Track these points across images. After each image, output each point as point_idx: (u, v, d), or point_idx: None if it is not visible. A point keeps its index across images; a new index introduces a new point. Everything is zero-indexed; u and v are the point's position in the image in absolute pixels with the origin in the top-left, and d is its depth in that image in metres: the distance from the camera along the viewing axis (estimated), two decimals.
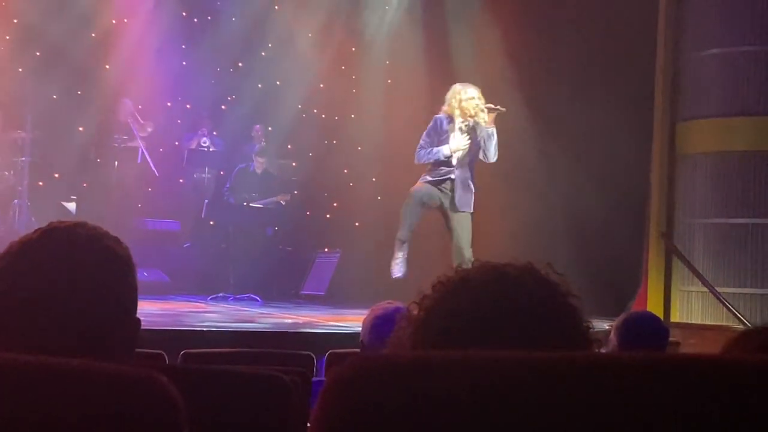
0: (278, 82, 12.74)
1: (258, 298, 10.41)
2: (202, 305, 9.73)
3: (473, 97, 7.92)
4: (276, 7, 12.75)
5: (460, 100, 7.92)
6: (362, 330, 3.75)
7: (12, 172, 11.73)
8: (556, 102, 10.72)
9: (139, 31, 12.48)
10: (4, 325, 1.49)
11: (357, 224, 12.06)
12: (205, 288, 10.65)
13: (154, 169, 11.91)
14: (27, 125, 11.79)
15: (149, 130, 12.20)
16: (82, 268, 1.52)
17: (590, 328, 1.31)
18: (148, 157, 11.98)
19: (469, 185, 7.97)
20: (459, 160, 7.95)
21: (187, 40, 12.77)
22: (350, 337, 5.98)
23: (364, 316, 3.80)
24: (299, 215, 12.05)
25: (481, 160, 8.02)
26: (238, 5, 12.82)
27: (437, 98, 8.31)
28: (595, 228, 9.98)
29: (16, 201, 11.61)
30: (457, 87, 8.09)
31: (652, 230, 9.18)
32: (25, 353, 1.00)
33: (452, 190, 7.89)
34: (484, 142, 7.84)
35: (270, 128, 12.53)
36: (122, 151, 12.10)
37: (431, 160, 7.99)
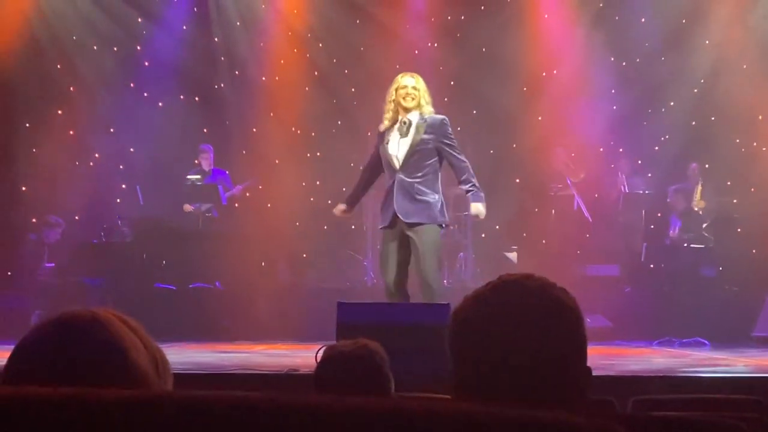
0: (713, 118, 12.34)
1: (706, 342, 10.04)
2: (648, 350, 9.56)
3: (405, 86, 6.94)
4: (706, 42, 12.42)
5: (396, 89, 6.98)
6: None
7: (457, 227, 12.35)
8: None
9: (569, 81, 12.69)
10: (465, 380, 1.57)
11: None
12: (649, 332, 10.45)
13: (587, 215, 11.98)
14: None
15: (582, 176, 12.32)
16: (534, 320, 1.56)
17: None
18: (581, 204, 12.07)
19: (413, 192, 6.87)
20: (403, 163, 6.92)
21: (616, 85, 12.78)
22: None
23: None
24: (743, 254, 11.50)
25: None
26: (668, 44, 12.63)
27: None
28: None
29: (461, 254, 12.20)
30: (397, 77, 7.08)
31: None
32: (480, 405, 1.04)
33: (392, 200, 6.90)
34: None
35: (707, 165, 12.14)
36: (558, 200, 12.31)
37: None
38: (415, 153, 6.92)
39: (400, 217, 6.85)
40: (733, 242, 11.44)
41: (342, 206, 7.50)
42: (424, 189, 6.91)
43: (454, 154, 7.01)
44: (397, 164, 6.94)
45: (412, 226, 6.85)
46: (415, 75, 7.08)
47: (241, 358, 7.97)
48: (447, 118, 7.05)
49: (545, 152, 12.46)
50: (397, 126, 6.99)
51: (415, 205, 6.87)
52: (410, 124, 6.92)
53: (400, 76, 7.09)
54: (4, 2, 11.88)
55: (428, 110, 6.99)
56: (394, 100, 6.99)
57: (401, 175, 6.91)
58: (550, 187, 12.40)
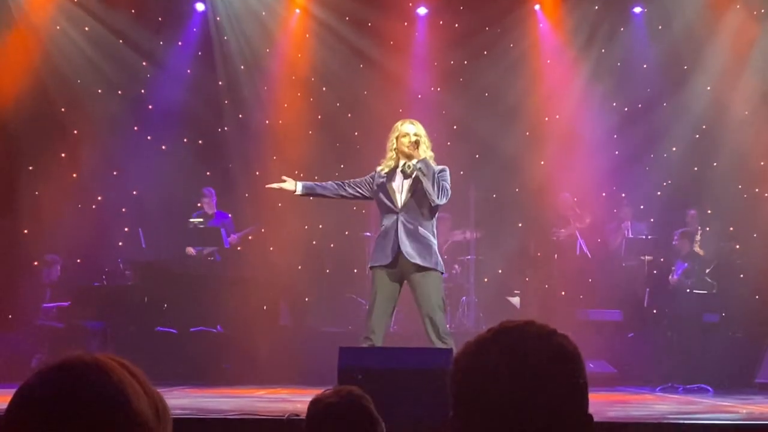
0: (715, 164, 12.38)
1: (709, 388, 9.99)
2: (651, 396, 9.50)
3: (407, 134, 6.93)
4: (708, 88, 12.49)
5: (397, 137, 6.97)
6: None
7: (459, 270, 12.33)
8: None
9: (571, 125, 12.75)
10: (466, 425, 1.57)
11: None
12: (652, 378, 10.40)
13: (587, 251, 11.98)
14: (471, 225, 12.39)
15: (587, 222, 12.33)
16: (535, 366, 1.56)
17: None
18: (584, 247, 12.05)
19: (418, 235, 6.86)
20: (404, 204, 6.91)
21: (618, 130, 12.83)
22: None
23: None
24: (746, 299, 11.48)
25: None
26: (669, 90, 12.72)
27: None
28: None
29: (464, 298, 12.17)
30: (396, 124, 7.08)
31: None
32: None
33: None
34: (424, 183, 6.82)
35: (709, 211, 12.15)
36: (561, 244, 12.30)
37: None
38: (416, 193, 6.92)
39: (407, 258, 6.84)
40: (736, 288, 11.42)
41: (289, 180, 7.32)
42: (427, 233, 6.92)
43: (444, 179, 6.95)
44: (399, 203, 6.94)
45: (419, 269, 6.85)
46: (415, 121, 7.08)
47: (242, 402, 7.93)
48: (447, 168, 7.03)
49: (548, 196, 12.49)
50: (400, 168, 7.00)
51: (421, 248, 6.87)
52: (414, 167, 6.92)
53: (399, 123, 7.09)
54: (11, 45, 11.97)
55: (429, 155, 6.99)
56: (395, 148, 7.01)
57: (403, 217, 6.92)
58: (552, 231, 12.41)
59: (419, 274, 6.86)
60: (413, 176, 6.90)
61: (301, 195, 7.37)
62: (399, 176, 6.98)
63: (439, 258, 6.99)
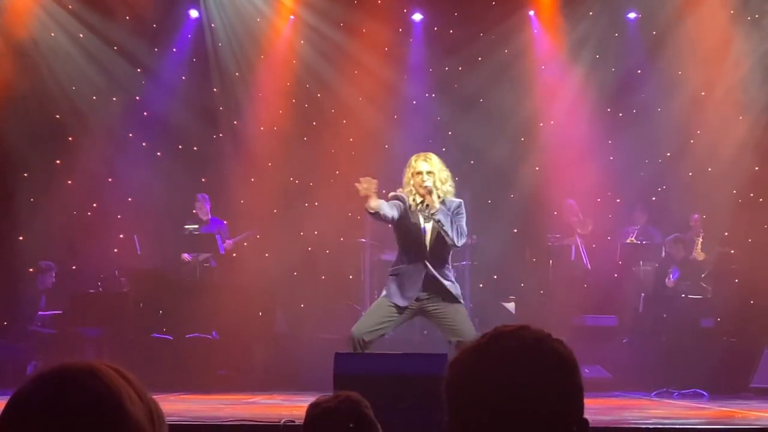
0: (710, 169, 12.39)
1: (704, 393, 10.00)
2: (646, 401, 9.51)
3: (420, 172, 6.57)
4: (702, 93, 12.51)
5: (412, 174, 6.65)
6: None
7: (454, 276, 12.32)
8: None
9: (566, 131, 12.77)
10: (459, 429, 1.57)
11: None
12: (647, 383, 10.41)
13: (587, 263, 11.97)
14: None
15: (590, 228, 12.33)
16: (530, 371, 1.56)
17: None
18: (583, 253, 12.05)
19: (442, 278, 6.63)
20: (431, 249, 6.63)
21: (613, 135, 12.85)
22: None
23: None
24: (742, 304, 11.49)
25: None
26: (664, 95, 12.72)
27: None
28: None
29: None
30: (412, 158, 6.73)
31: None
32: None
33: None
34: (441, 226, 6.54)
35: (704, 216, 12.16)
36: (556, 250, 12.30)
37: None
38: (439, 236, 6.66)
39: (433, 297, 6.67)
40: (731, 293, 11.42)
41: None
42: (448, 273, 6.77)
43: (460, 219, 6.72)
44: (426, 248, 6.70)
45: (445, 306, 6.67)
46: (429, 156, 6.73)
47: (237, 408, 7.92)
48: (462, 201, 6.81)
49: (543, 202, 12.50)
50: (419, 209, 6.71)
51: (449, 285, 6.70)
52: (433, 218, 6.62)
53: (414, 158, 6.74)
54: (4, 52, 11.96)
55: (444, 190, 6.71)
56: (411, 184, 6.69)
57: (430, 264, 6.69)
58: (548, 237, 12.41)
59: (451, 310, 6.67)
60: (432, 222, 6.65)
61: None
62: (420, 217, 6.70)
63: (459, 290, 6.87)
